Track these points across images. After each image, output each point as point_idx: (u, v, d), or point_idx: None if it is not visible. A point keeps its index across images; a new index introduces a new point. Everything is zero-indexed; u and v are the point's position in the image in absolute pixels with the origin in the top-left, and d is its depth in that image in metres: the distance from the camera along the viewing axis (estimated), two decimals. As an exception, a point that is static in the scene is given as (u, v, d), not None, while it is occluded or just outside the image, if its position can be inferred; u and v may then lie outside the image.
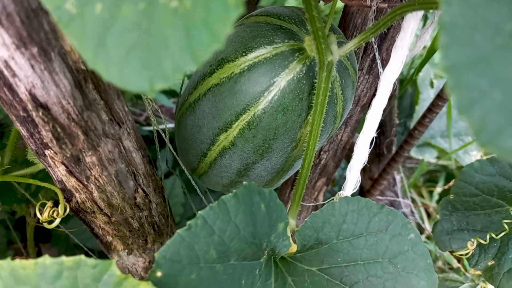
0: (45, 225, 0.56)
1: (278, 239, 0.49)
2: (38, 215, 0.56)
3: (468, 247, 0.66)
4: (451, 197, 0.70)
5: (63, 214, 0.55)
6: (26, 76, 0.40)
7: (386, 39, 0.64)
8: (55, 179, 0.54)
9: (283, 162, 0.60)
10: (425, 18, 1.11)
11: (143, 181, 0.59)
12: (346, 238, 0.51)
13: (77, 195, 0.55)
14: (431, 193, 1.53)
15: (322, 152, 0.80)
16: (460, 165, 1.28)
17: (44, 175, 0.60)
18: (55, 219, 0.55)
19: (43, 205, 0.56)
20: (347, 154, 0.79)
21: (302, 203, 0.82)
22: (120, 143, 0.53)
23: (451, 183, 0.72)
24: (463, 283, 0.87)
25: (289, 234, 0.50)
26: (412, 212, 1.27)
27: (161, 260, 0.39)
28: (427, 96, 1.25)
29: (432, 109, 0.84)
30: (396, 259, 0.50)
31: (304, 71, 0.51)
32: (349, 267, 0.50)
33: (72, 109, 0.45)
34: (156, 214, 0.65)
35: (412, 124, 1.26)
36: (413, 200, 1.39)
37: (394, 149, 1.15)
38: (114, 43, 0.26)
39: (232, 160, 0.59)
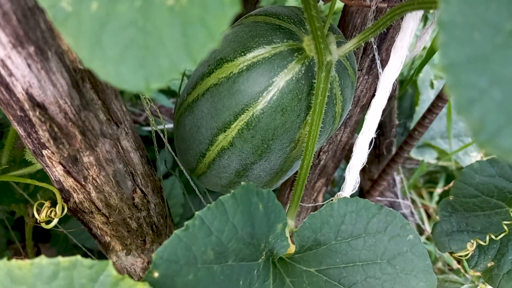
0: (43, 225, 0.56)
1: (277, 240, 0.49)
2: (36, 215, 0.56)
3: (467, 248, 0.66)
4: (450, 198, 0.70)
5: (61, 214, 0.54)
6: (23, 75, 0.40)
7: (386, 39, 0.64)
8: (53, 179, 0.54)
9: (282, 163, 0.60)
10: (425, 19, 1.11)
11: (141, 182, 0.59)
12: (345, 239, 0.51)
13: (75, 195, 0.55)
14: (431, 194, 1.53)
15: (321, 153, 0.80)
16: (460, 166, 1.28)
17: (42, 175, 0.60)
18: (53, 219, 0.55)
19: (41, 205, 0.56)
20: (347, 154, 0.78)
21: (301, 204, 0.82)
22: (118, 143, 0.53)
23: (451, 184, 0.71)
24: (463, 284, 0.86)
25: (287, 235, 0.50)
26: (412, 213, 1.27)
27: (158, 261, 0.39)
28: (427, 97, 1.25)
29: (432, 110, 0.84)
30: (395, 260, 0.50)
31: (303, 71, 0.51)
32: (347, 268, 0.50)
33: (69, 108, 0.44)
34: (155, 214, 0.65)
35: (412, 125, 1.26)
36: (413, 201, 1.39)
37: (393, 150, 1.14)
38: (110, 41, 0.26)
39: (231, 161, 0.58)
